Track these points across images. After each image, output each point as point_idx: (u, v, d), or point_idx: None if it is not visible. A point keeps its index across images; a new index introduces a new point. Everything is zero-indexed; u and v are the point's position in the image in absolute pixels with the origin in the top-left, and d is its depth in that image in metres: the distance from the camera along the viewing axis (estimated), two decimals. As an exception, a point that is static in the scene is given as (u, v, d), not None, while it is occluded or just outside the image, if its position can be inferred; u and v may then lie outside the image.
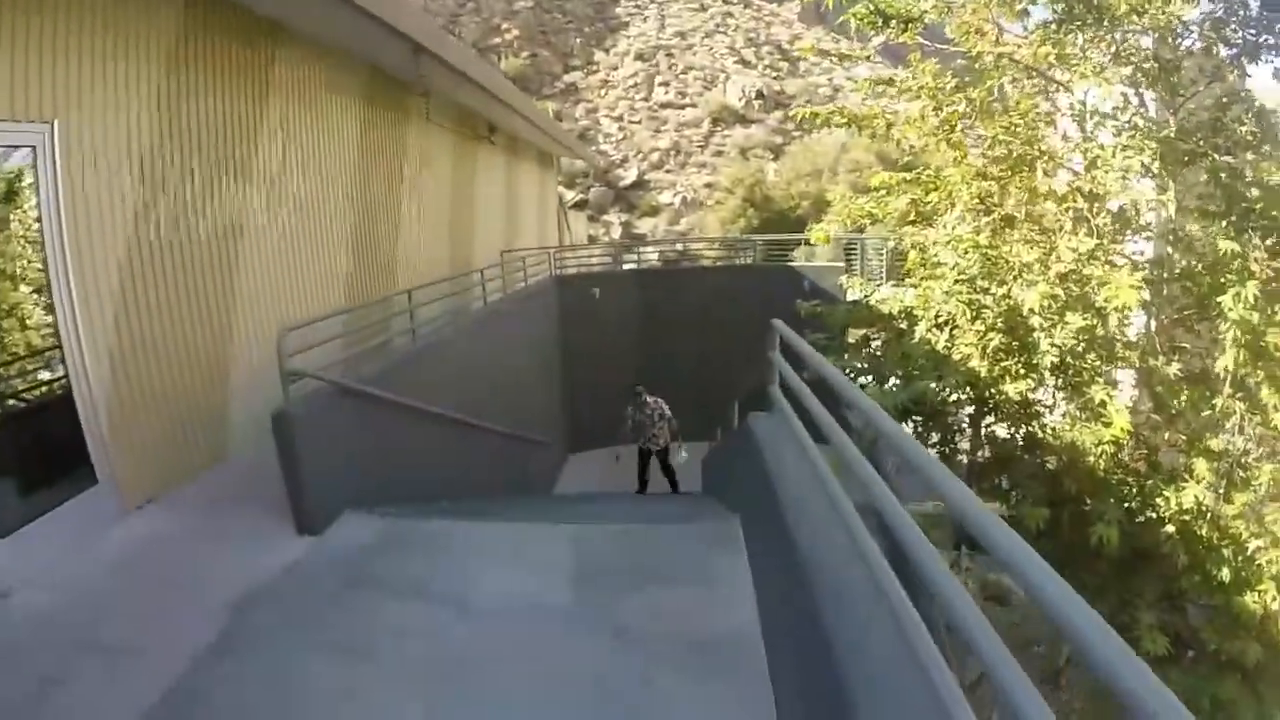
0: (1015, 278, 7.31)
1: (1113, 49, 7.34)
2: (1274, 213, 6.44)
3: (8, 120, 5.03)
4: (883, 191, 8.81)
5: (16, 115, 5.10)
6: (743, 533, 5.42)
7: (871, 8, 7.92)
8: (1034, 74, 8.12)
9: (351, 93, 10.39)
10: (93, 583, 5.02)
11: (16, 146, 5.15)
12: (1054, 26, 7.32)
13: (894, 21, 7.90)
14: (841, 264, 20.54)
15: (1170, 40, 7.54)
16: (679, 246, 40.37)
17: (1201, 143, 7.21)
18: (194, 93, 7.08)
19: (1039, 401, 7.53)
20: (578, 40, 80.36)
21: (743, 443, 6.03)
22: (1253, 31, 7.44)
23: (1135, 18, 6.95)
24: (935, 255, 8.13)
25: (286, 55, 8.55)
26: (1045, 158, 7.71)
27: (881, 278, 13.46)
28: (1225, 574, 5.99)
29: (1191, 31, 7.60)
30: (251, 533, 6.00)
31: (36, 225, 5.40)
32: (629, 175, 65.52)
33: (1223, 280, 6.45)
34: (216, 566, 5.33)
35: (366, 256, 10.90)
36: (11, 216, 5.27)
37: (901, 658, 2.45)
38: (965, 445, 7.99)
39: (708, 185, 64.16)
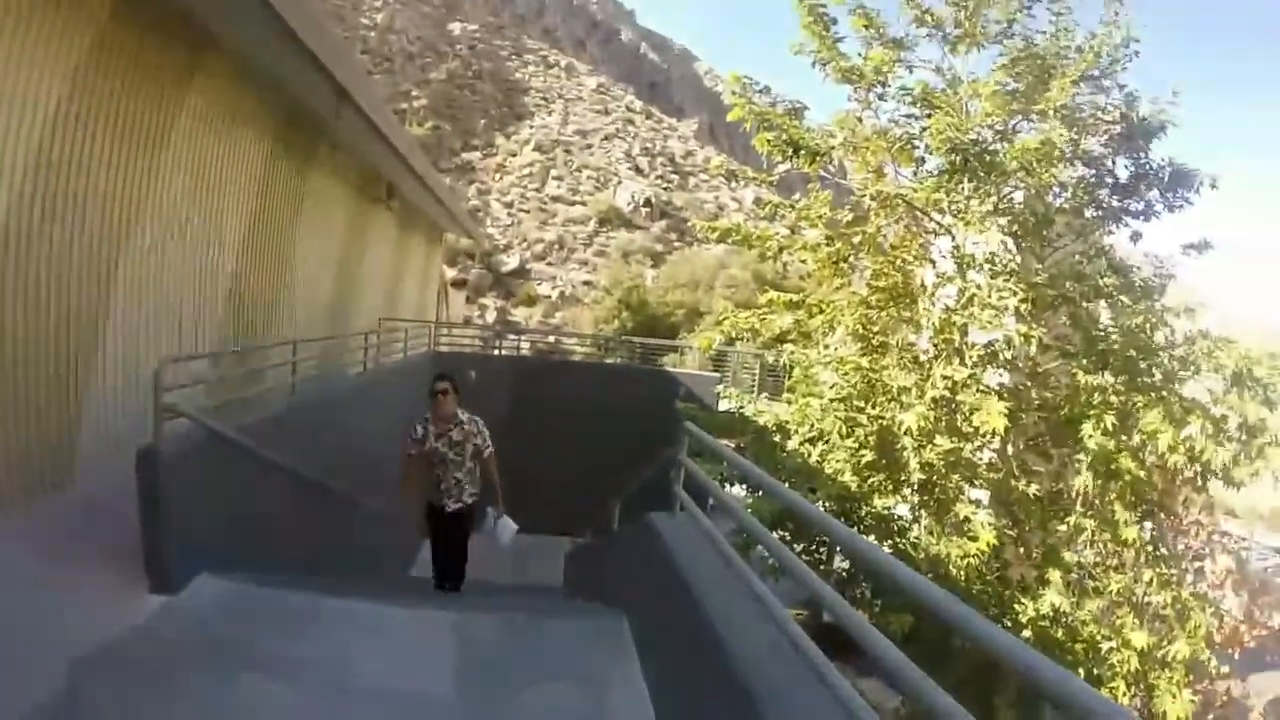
0: (890, 400, 7.74)
1: (993, 201, 7.97)
2: (1129, 353, 7.12)
3: None
4: (766, 309, 9.15)
5: None
6: (630, 631, 5.31)
7: (785, 137, 8.33)
8: (920, 215, 8.71)
9: (262, 128, 10.12)
10: None
11: None
12: (946, 175, 7.87)
13: (803, 152, 8.32)
14: (711, 373, 20.95)
15: (1043, 197, 8.29)
16: (551, 339, 40.56)
17: (1070, 289, 7.89)
18: (108, 79, 6.73)
19: (900, 517, 7.92)
20: (482, 121, 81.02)
21: (639, 540, 5.94)
22: (1117, 198, 8.27)
23: (1024, 174, 7.58)
24: (815, 373, 8.55)
25: (206, 70, 8.31)
26: (924, 291, 8.25)
27: (754, 390, 13.85)
28: (1079, 674, 6.34)
29: (1065, 191, 8.38)
30: (96, 581, 5.27)
31: None
32: (511, 262, 65.68)
33: (1079, 411, 7.11)
34: (53, 616, 4.59)
35: (247, 299, 10.36)
36: None
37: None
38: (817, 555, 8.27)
39: (586, 283, 64.84)
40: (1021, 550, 7.80)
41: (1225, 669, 7.84)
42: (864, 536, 6.99)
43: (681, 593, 4.22)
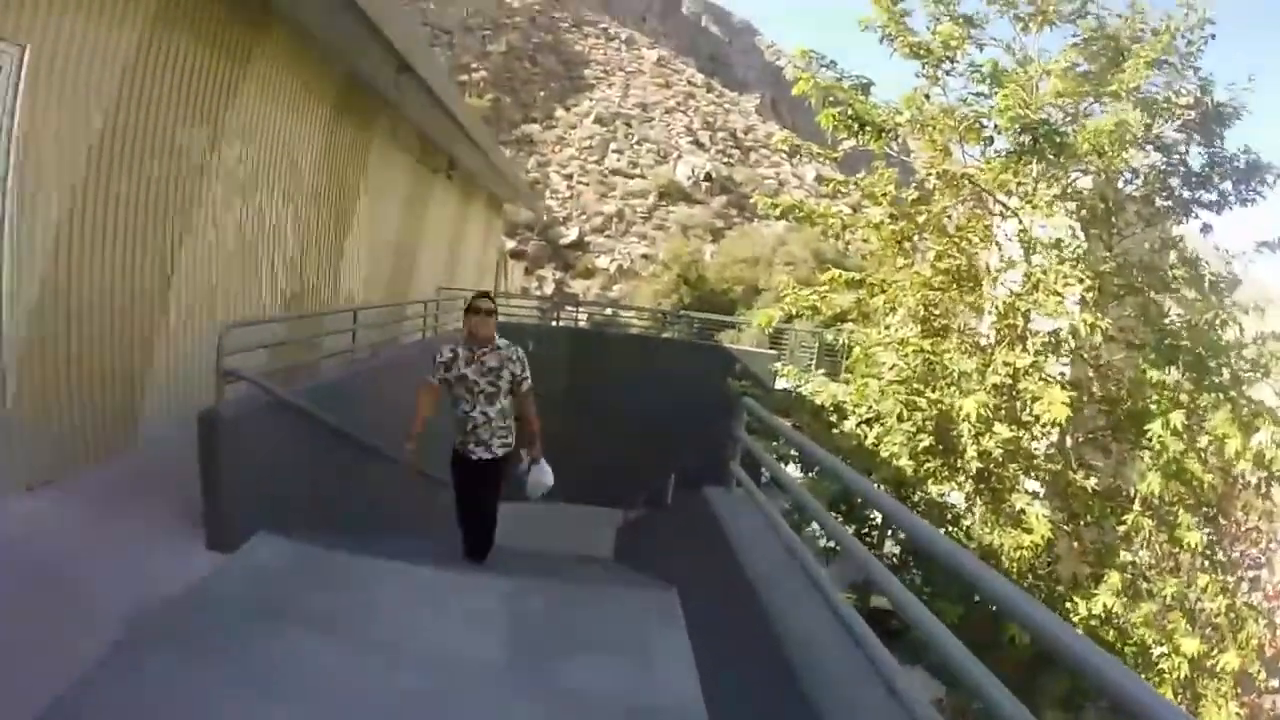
0: (950, 384, 7.61)
1: (1062, 184, 7.77)
2: (1198, 351, 6.89)
3: None
4: (827, 287, 9.03)
5: None
6: (680, 605, 5.30)
7: (851, 112, 8.19)
8: (986, 197, 8.53)
9: (323, 97, 10.18)
10: None
11: None
12: (1014, 156, 7.68)
13: (869, 128, 8.17)
14: (768, 350, 20.81)
15: (1114, 183, 8.05)
16: (609, 312, 40.59)
17: (1138, 279, 7.67)
18: (172, 53, 6.78)
19: (954, 505, 7.81)
20: (542, 94, 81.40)
21: (694, 516, 5.90)
22: (1189, 188, 7.99)
23: (1095, 157, 7.37)
24: (875, 354, 8.43)
25: (268, 39, 8.35)
26: (988, 275, 8.09)
27: (811, 368, 13.72)
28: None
29: (1135, 178, 8.13)
30: (155, 537, 5.37)
31: None
32: (570, 234, 66.02)
33: (1142, 406, 6.91)
34: (113, 570, 4.68)
35: (309, 267, 10.57)
36: None
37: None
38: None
39: (645, 256, 64.94)
40: (1075, 546, 7.62)
41: (1275, 683, 7.61)
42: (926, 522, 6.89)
43: (734, 570, 4.19)
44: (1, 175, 5.07)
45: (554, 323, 24.03)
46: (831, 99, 8.28)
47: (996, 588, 2.23)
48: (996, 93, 7.75)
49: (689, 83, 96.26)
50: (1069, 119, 8.11)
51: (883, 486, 7.44)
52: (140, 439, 6.95)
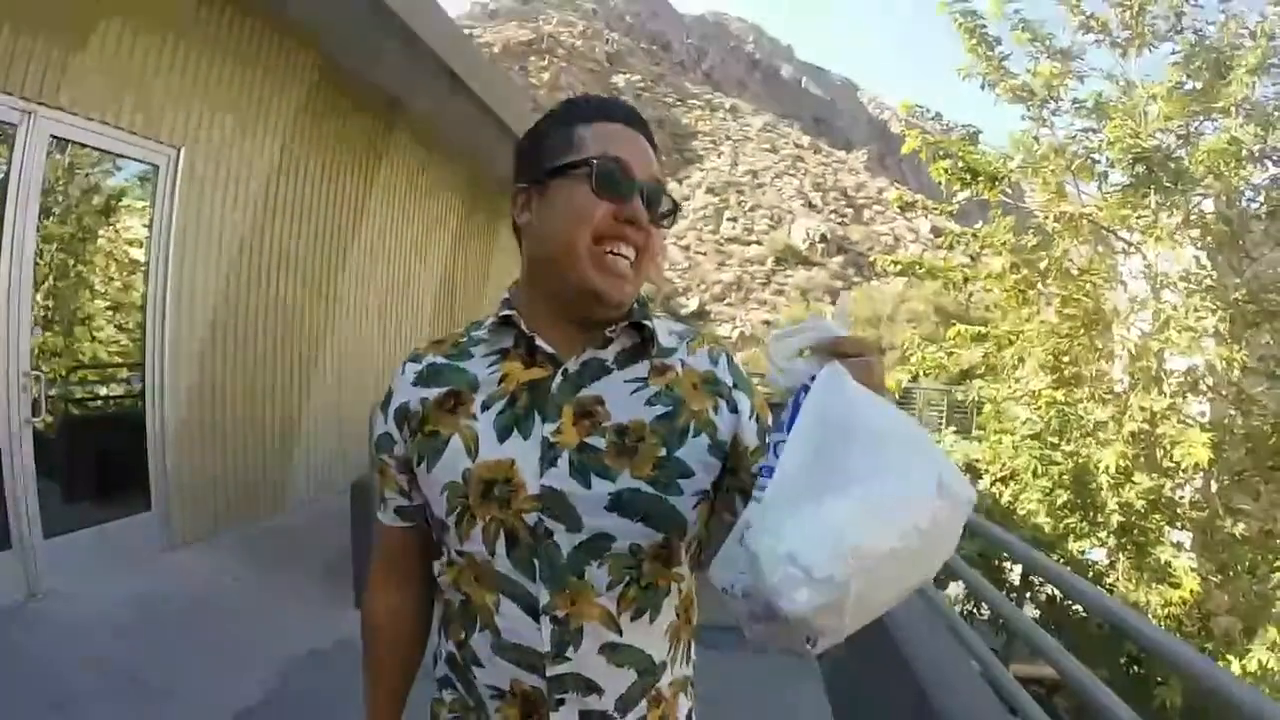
0: (1085, 435, 7.27)
1: (1183, 212, 7.41)
2: None
3: (140, 137, 5.14)
4: (953, 343, 8.79)
5: (148, 134, 5.19)
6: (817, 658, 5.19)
7: (962, 164, 8.05)
8: (1107, 234, 8.20)
9: (454, 184, 10.58)
10: (127, 609, 4.66)
11: (143, 163, 5.29)
12: (1131, 189, 7.38)
13: (981, 178, 8.01)
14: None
15: (1235, 203, 7.63)
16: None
17: (1273, 303, 7.22)
18: (312, 151, 7.20)
19: (1095, 562, 7.41)
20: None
21: None
22: None
23: (1213, 179, 7.03)
24: (1007, 409, 8.15)
25: (399, 132, 8.73)
26: (1116, 317, 7.74)
27: (941, 427, 13.36)
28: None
29: (1258, 195, 7.71)
30: (304, 595, 5.55)
31: (127, 245, 5.47)
32: (690, 304, 66.42)
33: None
34: (264, 624, 4.93)
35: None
36: (102, 232, 5.33)
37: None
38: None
39: (766, 322, 64.69)
40: (1226, 598, 7.07)
41: None
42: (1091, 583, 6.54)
43: (875, 625, 4.04)
44: (162, 267, 5.46)
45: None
46: (941, 152, 8.17)
47: (1172, 647, 2.22)
48: (1104, 125, 7.50)
49: (795, 145, 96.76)
50: (1181, 142, 7.76)
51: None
52: (288, 504, 7.22)
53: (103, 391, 5.81)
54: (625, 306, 1.16)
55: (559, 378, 1.13)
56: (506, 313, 1.17)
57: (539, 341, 1.14)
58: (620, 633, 1.10)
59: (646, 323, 1.19)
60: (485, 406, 1.13)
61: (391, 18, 5.90)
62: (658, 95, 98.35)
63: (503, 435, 1.11)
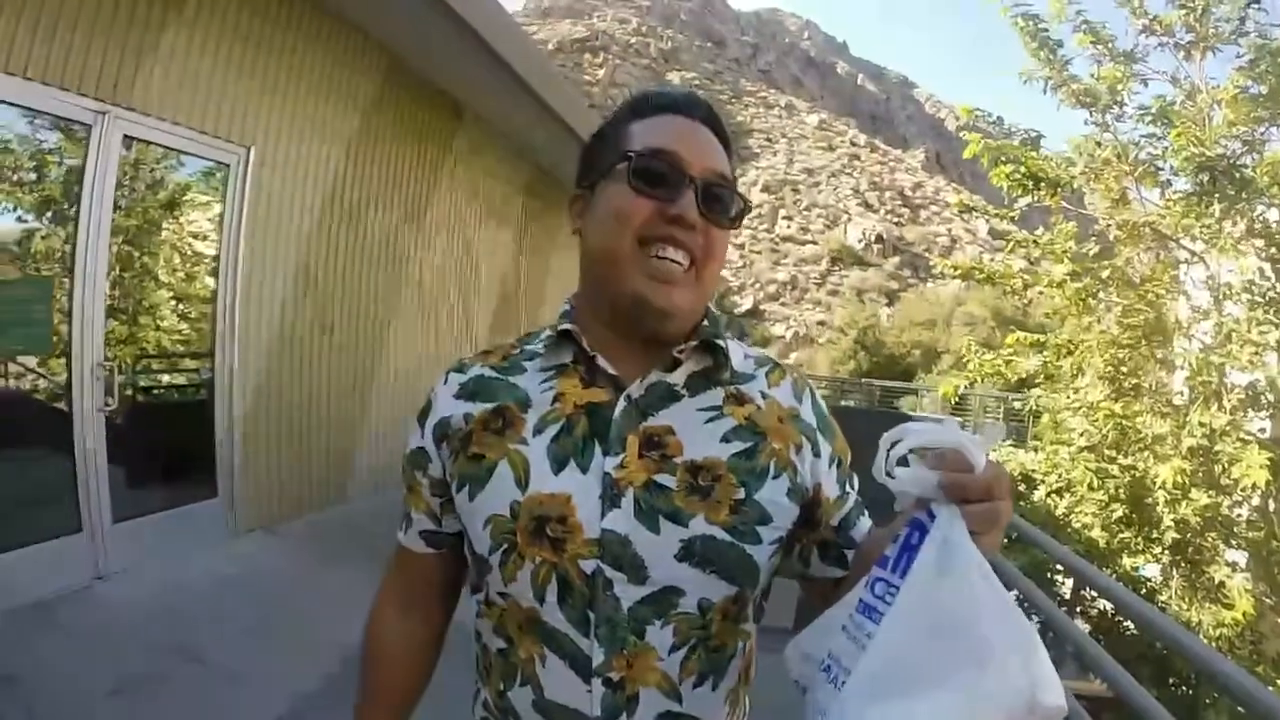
0: (1143, 449, 7.15)
1: (1247, 222, 7.25)
2: None
3: (210, 136, 5.31)
4: (1011, 351, 8.67)
5: (219, 134, 5.36)
6: None
7: (1024, 170, 7.94)
8: (1169, 243, 8.05)
9: (515, 184, 10.68)
10: (191, 593, 4.81)
11: (216, 161, 5.48)
12: (1194, 198, 7.23)
13: (1043, 184, 7.90)
14: (948, 417, 20.15)
15: None
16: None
17: None
18: (378, 150, 7.34)
19: (1149, 579, 7.29)
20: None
21: None
22: None
23: (1277, 189, 6.87)
24: (1064, 420, 8.04)
25: (460, 136, 8.82)
26: (1178, 328, 7.59)
27: (999, 436, 13.22)
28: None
29: None
30: (363, 584, 5.73)
31: (196, 240, 5.65)
32: (745, 303, 66.23)
33: None
34: (323, 610, 4.92)
35: (507, 338, 11.00)
36: (171, 227, 5.50)
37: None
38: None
39: (821, 323, 64.32)
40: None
41: None
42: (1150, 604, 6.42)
43: None
44: (232, 262, 5.63)
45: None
46: (1003, 158, 8.07)
47: (1223, 667, 2.20)
48: (1169, 132, 7.35)
49: (852, 144, 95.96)
50: (1246, 148, 7.57)
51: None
52: (349, 496, 7.37)
53: (171, 381, 6.01)
54: (680, 316, 1.02)
55: (622, 403, 1.01)
56: (566, 326, 1.04)
57: (600, 360, 1.02)
58: (680, 700, 0.97)
59: (719, 342, 1.06)
60: (538, 430, 1.01)
61: (455, 19, 6.00)
62: (713, 93, 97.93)
63: (558, 466, 0.98)
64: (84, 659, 3.85)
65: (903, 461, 0.80)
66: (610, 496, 0.96)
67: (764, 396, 1.08)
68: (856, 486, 1.17)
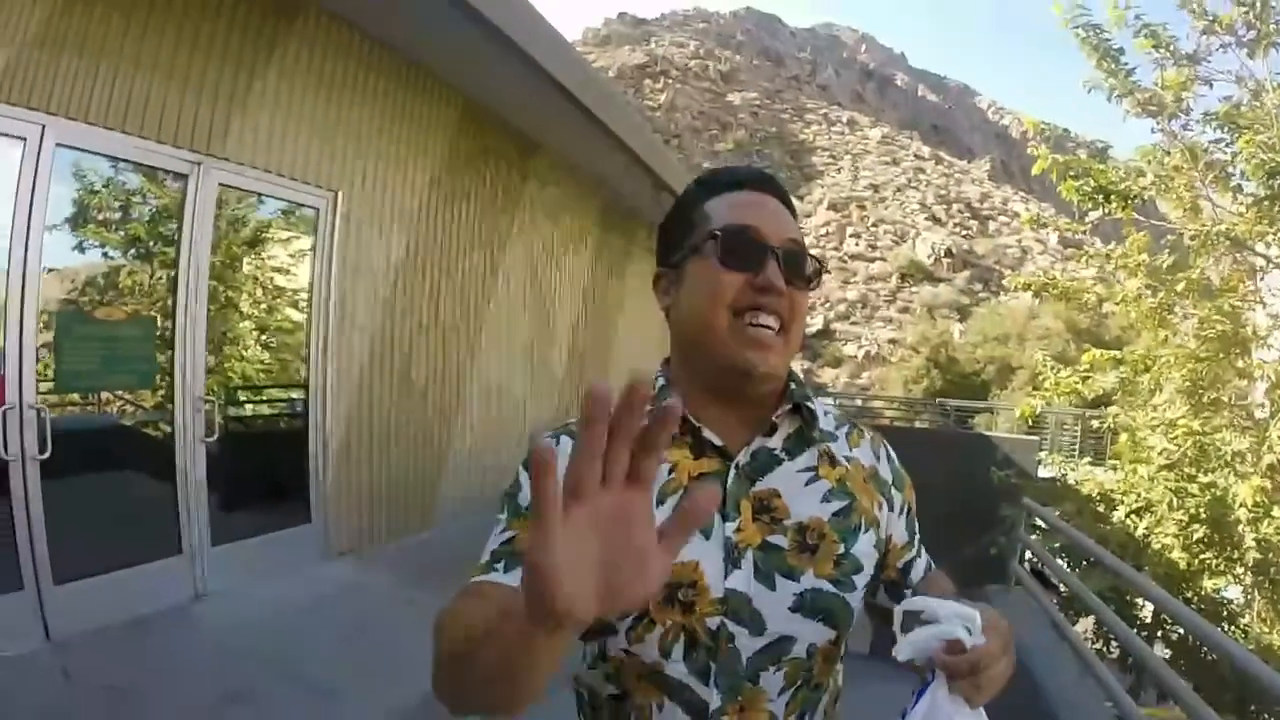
0: (1223, 466, 6.91)
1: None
2: None
3: (299, 182, 5.66)
4: (1088, 368, 8.48)
5: (307, 179, 5.71)
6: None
7: (1093, 184, 7.80)
8: (1244, 249, 7.81)
9: (588, 214, 10.88)
10: (289, 612, 5.06)
11: (304, 205, 5.83)
12: (1267, 202, 7.02)
13: (1114, 198, 7.74)
14: (1029, 436, 19.71)
15: None
16: (859, 402, 39.80)
17: None
18: (457, 189, 7.61)
19: (1230, 601, 7.05)
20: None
21: None
22: None
23: None
24: (1143, 438, 7.84)
25: (534, 171, 9.06)
26: (1256, 338, 7.35)
27: (1075, 455, 12.93)
28: None
29: None
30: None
31: (288, 278, 5.97)
32: (815, 323, 65.59)
33: None
34: (415, 632, 5.09)
35: (585, 375, 11.12)
36: (264, 266, 5.81)
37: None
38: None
39: (892, 341, 63.47)
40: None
41: None
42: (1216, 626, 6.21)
43: (1020, 673, 3.99)
44: (324, 300, 5.97)
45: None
46: (1071, 172, 7.93)
47: None
48: (1236, 137, 7.14)
49: (916, 156, 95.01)
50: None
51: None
52: (435, 520, 7.57)
53: (267, 412, 6.31)
54: (777, 378, 1.14)
55: (732, 472, 1.11)
56: (671, 402, 0.94)
57: (706, 434, 1.12)
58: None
59: (809, 405, 1.18)
60: (660, 501, 1.05)
61: (527, 60, 6.26)
62: (774, 111, 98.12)
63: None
64: (186, 674, 4.04)
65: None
66: (732, 559, 1.06)
67: (849, 460, 1.20)
68: (918, 531, 1.31)
